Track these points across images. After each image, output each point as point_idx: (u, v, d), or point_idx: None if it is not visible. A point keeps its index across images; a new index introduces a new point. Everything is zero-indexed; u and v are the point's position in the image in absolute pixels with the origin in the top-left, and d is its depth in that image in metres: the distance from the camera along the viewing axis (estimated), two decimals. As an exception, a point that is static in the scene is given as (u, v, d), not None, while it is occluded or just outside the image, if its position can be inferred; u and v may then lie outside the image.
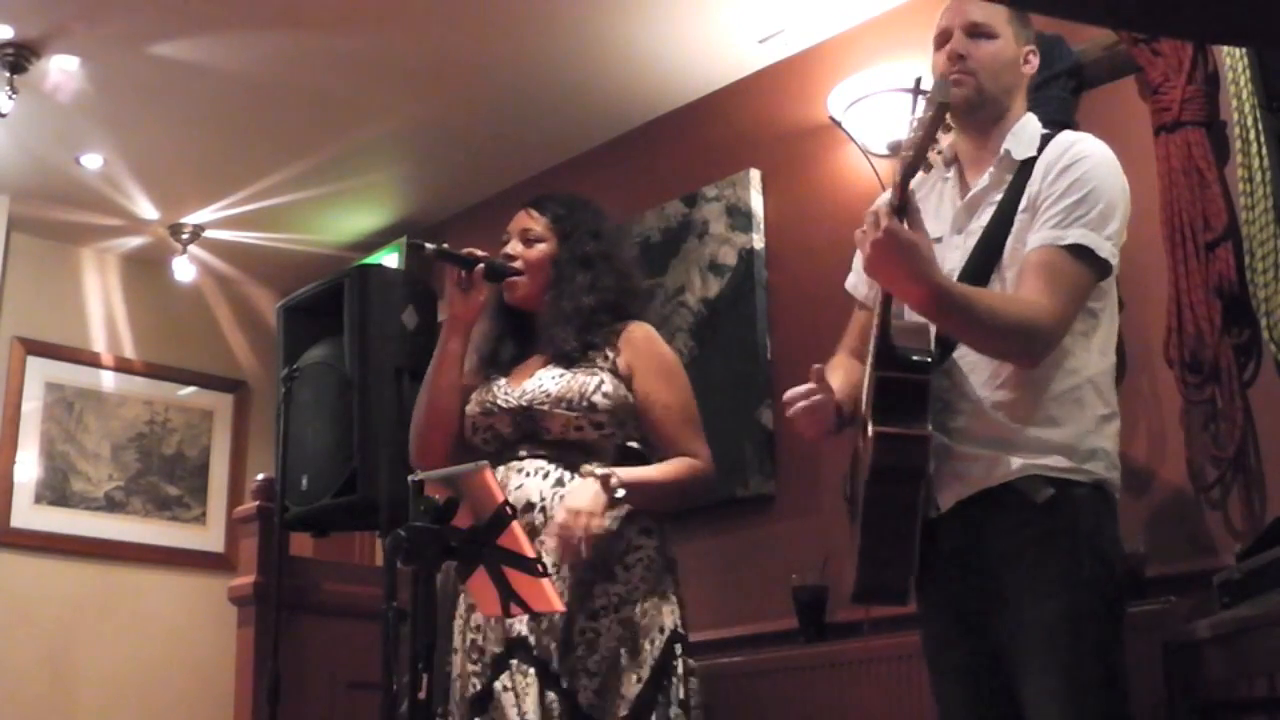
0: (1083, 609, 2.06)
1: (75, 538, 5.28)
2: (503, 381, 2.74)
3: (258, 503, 4.03)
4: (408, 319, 2.58)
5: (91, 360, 5.50)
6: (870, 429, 2.09)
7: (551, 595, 2.23)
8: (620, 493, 2.54)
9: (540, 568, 2.20)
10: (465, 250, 2.74)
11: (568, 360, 2.69)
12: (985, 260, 2.21)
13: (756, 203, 4.07)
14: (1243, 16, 1.03)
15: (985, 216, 2.24)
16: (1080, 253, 2.12)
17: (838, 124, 3.77)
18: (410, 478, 2.27)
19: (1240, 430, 2.85)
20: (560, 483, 2.60)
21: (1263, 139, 2.65)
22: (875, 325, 2.14)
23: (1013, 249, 2.19)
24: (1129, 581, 2.22)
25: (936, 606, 2.25)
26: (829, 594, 3.44)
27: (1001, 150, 2.25)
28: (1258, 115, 2.66)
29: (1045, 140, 2.26)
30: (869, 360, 2.15)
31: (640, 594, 2.57)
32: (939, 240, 2.28)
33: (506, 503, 2.20)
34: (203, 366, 5.79)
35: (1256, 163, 2.69)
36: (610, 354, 2.71)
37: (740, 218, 4.06)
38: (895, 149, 3.72)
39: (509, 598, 2.23)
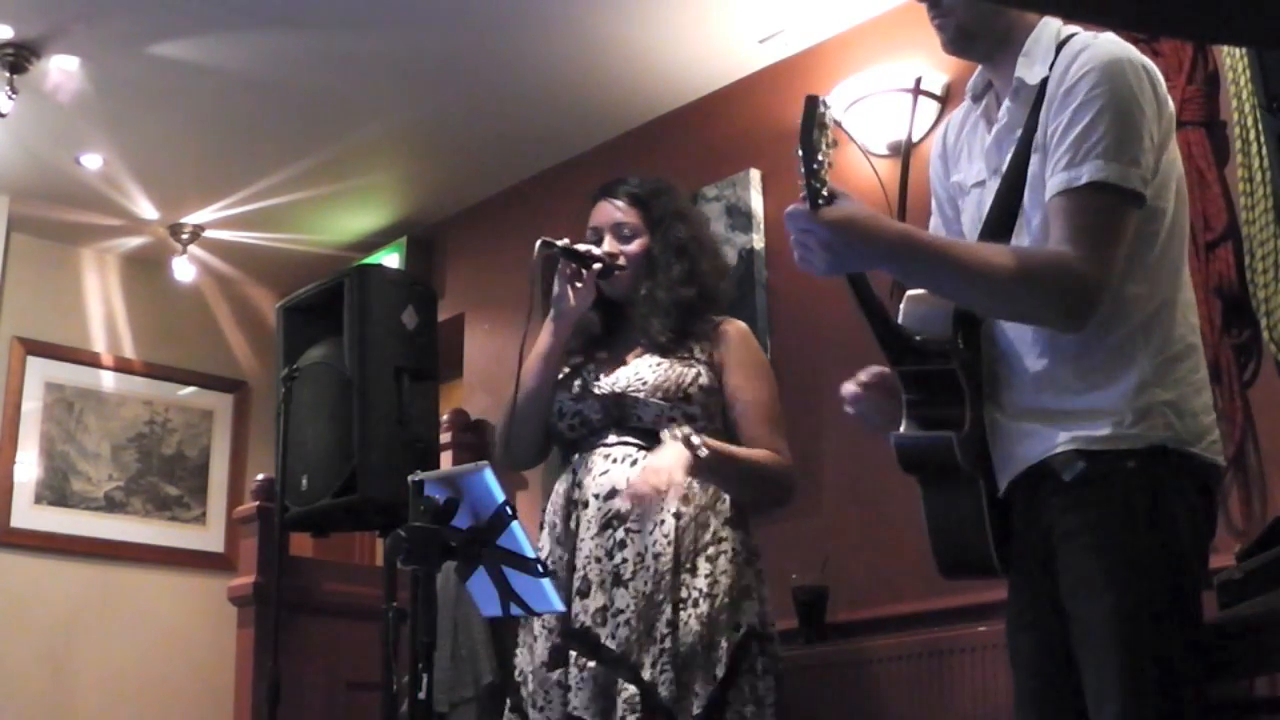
0: (1139, 605, 1.83)
1: (75, 538, 5.27)
2: (592, 368, 2.71)
3: (258, 503, 4.04)
4: (408, 319, 2.58)
5: (91, 360, 5.50)
6: (901, 429, 1.95)
7: (552, 595, 2.23)
8: (703, 451, 2.46)
9: (540, 568, 2.20)
10: (583, 248, 2.69)
11: (662, 350, 2.66)
12: (1007, 207, 1.98)
13: (756, 203, 4.07)
14: (1243, 16, 1.03)
15: (1010, 156, 2.00)
16: (1103, 189, 1.85)
17: (838, 124, 3.76)
18: (410, 478, 2.27)
19: (1240, 430, 2.85)
20: None
21: (1263, 139, 2.65)
22: (863, 316, 1.94)
23: (1030, 197, 1.95)
24: (1200, 562, 1.94)
25: (1017, 590, 2.05)
26: (829, 594, 3.44)
27: (1014, 78, 2.00)
28: (1258, 115, 2.66)
29: (1061, 49, 1.98)
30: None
31: (722, 588, 2.51)
32: (981, 184, 2.08)
33: (506, 502, 2.20)
34: (203, 366, 5.79)
35: (1256, 163, 2.69)
36: (708, 347, 2.69)
37: (740, 218, 4.06)
38: (895, 149, 3.72)
39: (509, 598, 2.23)
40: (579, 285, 2.67)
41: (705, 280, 2.72)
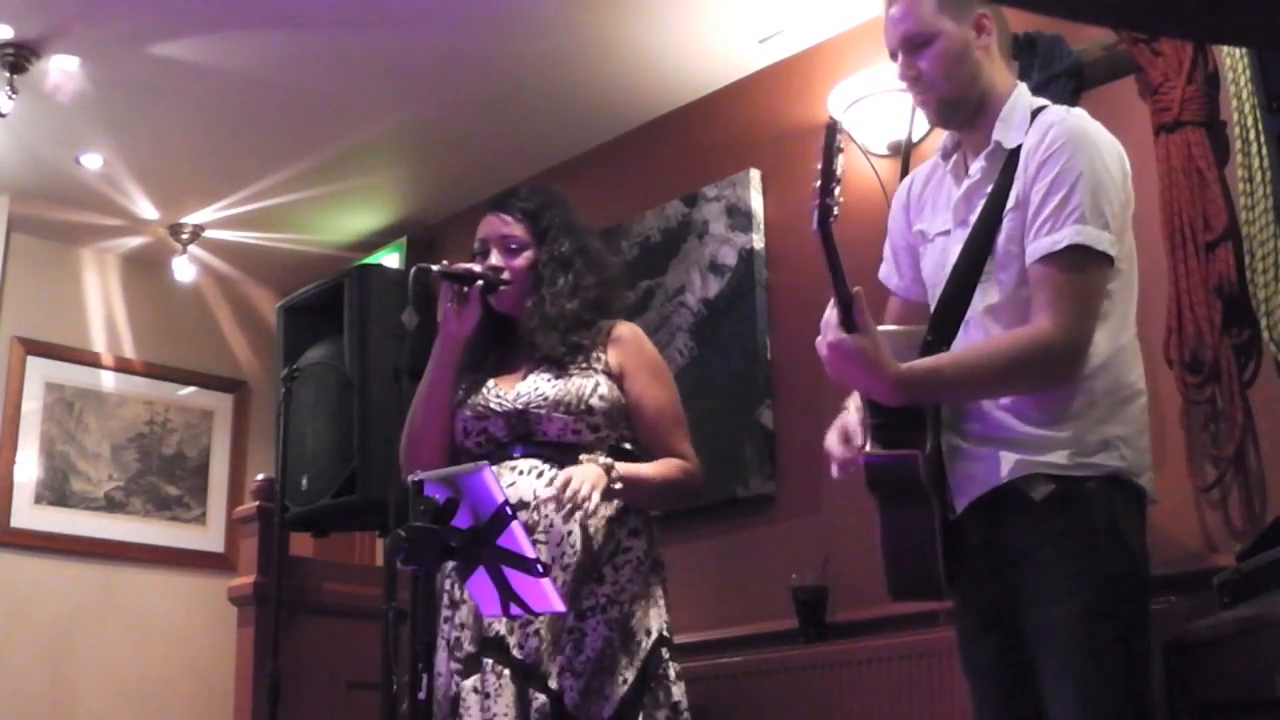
0: (1099, 610, 2.02)
1: (75, 538, 5.27)
2: (492, 384, 2.72)
3: (258, 503, 4.03)
4: (408, 319, 2.58)
5: (91, 360, 5.50)
6: (865, 447, 2.12)
7: (551, 595, 2.23)
8: (618, 485, 2.54)
9: (540, 568, 2.20)
10: (462, 267, 2.71)
11: (558, 364, 2.68)
12: (975, 259, 2.18)
13: (756, 203, 4.07)
14: (1243, 16, 1.03)
15: (979, 209, 2.20)
16: (1080, 251, 2.07)
17: (844, 131, 3.76)
18: (410, 478, 2.27)
19: (1240, 430, 2.85)
20: (554, 481, 2.58)
21: (1263, 139, 2.64)
22: None
23: (1005, 250, 2.15)
24: (1148, 579, 2.16)
25: (967, 603, 2.24)
26: (829, 594, 3.44)
27: (992, 141, 2.21)
28: (1258, 115, 2.66)
29: (1036, 116, 2.20)
30: None
31: (628, 595, 2.57)
32: (946, 233, 2.27)
33: (506, 503, 2.20)
34: (203, 366, 5.79)
35: (1256, 163, 2.69)
36: (601, 355, 2.71)
37: (740, 218, 4.06)
38: (895, 149, 3.72)
39: (509, 598, 2.23)
40: (464, 306, 2.69)
41: (589, 293, 2.72)
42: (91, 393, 5.49)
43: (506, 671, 2.49)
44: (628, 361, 2.71)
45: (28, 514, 5.21)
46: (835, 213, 2.01)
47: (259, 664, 3.69)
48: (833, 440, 2.23)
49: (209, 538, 5.62)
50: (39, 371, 5.35)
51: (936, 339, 2.17)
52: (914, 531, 2.11)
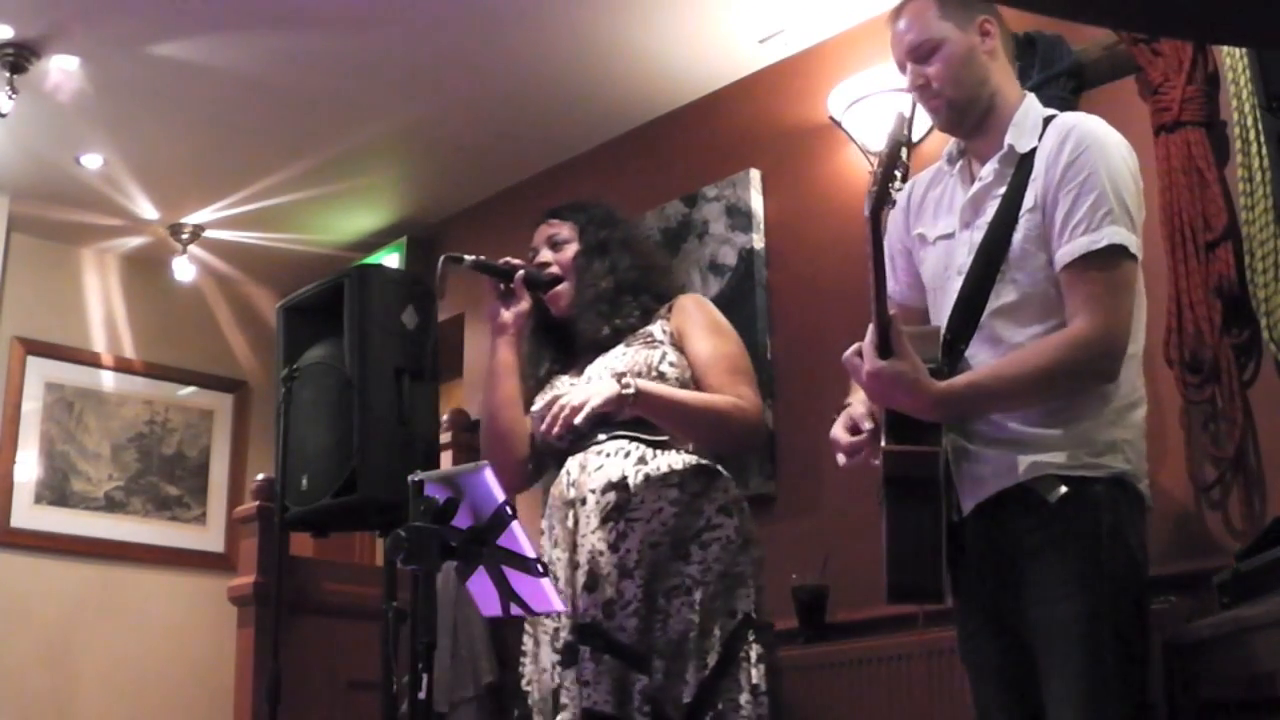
0: (1101, 609, 2.04)
1: (75, 538, 5.28)
2: (565, 377, 2.73)
3: (258, 503, 4.04)
4: (408, 319, 2.58)
5: (91, 360, 5.51)
6: (882, 443, 2.12)
7: (551, 595, 2.23)
8: (630, 389, 2.51)
9: (540, 567, 2.20)
10: (503, 261, 2.77)
11: (616, 343, 2.68)
12: (990, 259, 2.18)
13: (756, 203, 4.07)
14: (1243, 16, 1.03)
15: (990, 211, 2.21)
16: (1118, 251, 2.09)
17: (838, 124, 3.77)
18: (410, 478, 2.26)
19: (1240, 430, 2.85)
20: (643, 460, 2.56)
21: (1263, 139, 2.65)
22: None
23: (1021, 249, 2.15)
24: (1148, 580, 2.18)
25: (969, 606, 2.25)
26: (829, 594, 3.44)
27: (1005, 145, 2.22)
28: (1258, 115, 2.66)
29: (1046, 124, 2.22)
30: None
31: (714, 575, 2.51)
32: (950, 236, 2.28)
33: (506, 502, 2.20)
34: (203, 366, 5.79)
35: (1256, 163, 2.69)
36: (666, 328, 2.71)
37: (740, 218, 4.06)
38: (895, 149, 3.73)
39: (509, 598, 2.24)
40: (510, 300, 2.75)
41: (626, 275, 2.75)
42: (91, 393, 5.49)
43: (606, 657, 2.47)
44: (684, 324, 2.72)
45: (28, 514, 5.21)
46: (892, 200, 2.05)
47: (259, 664, 3.69)
48: (839, 430, 2.25)
49: (209, 538, 5.62)
50: (39, 371, 5.35)
51: (955, 338, 2.18)
52: (921, 532, 2.11)
